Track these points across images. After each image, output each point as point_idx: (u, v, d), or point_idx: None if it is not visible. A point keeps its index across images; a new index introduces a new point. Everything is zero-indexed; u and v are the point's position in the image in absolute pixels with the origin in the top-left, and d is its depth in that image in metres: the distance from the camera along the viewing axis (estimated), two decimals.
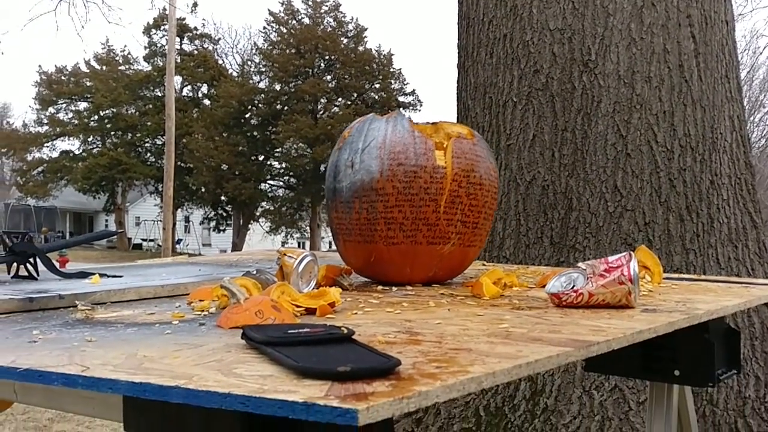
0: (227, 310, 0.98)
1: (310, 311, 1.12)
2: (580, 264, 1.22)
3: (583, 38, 3.31)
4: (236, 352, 0.80)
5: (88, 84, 34.17)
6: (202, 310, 1.13)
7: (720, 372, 1.65)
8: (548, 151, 3.34)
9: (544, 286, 1.58)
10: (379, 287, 1.51)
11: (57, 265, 1.48)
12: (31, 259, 1.39)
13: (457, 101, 3.88)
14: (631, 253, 1.20)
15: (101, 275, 1.44)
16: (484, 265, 2.14)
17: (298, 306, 1.09)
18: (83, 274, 1.44)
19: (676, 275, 1.85)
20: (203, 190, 32.23)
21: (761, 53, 34.31)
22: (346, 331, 0.83)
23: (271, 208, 32.78)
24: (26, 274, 1.41)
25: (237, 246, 32.22)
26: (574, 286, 1.20)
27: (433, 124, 1.56)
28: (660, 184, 3.20)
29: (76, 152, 34.78)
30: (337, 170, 1.57)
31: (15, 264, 1.42)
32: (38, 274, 1.40)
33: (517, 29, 3.46)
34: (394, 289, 1.51)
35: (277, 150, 31.88)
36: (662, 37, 3.25)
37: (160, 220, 18.33)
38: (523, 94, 3.42)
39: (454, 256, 1.53)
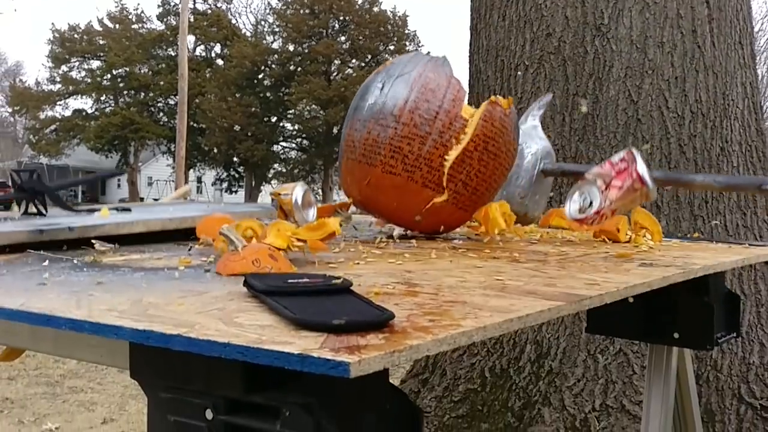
0: (225, 257, 1.00)
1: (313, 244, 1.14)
2: (587, 175, 1.20)
3: (596, 2, 3.29)
4: (238, 301, 0.82)
5: (101, 42, 34.15)
6: (207, 257, 1.15)
7: (719, 335, 1.67)
8: (559, 116, 3.34)
9: (548, 226, 1.61)
10: (383, 239, 1.52)
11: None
12: (39, 197, 1.42)
13: (469, 64, 3.87)
14: (632, 149, 1.19)
15: (111, 210, 1.48)
16: None
17: (299, 240, 1.11)
18: (93, 210, 1.48)
19: (679, 235, 1.87)
20: (215, 151, 32.31)
21: None
22: (343, 282, 0.85)
23: (284, 170, 32.84)
24: (35, 211, 1.44)
25: None
26: (591, 203, 1.19)
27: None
28: (670, 150, 3.20)
29: (89, 111, 34.90)
30: (366, 90, 1.58)
31: (24, 201, 1.45)
32: (47, 211, 1.43)
33: None
34: (398, 240, 1.53)
35: (290, 111, 31.87)
36: (676, 2, 3.22)
37: (173, 181, 18.44)
38: (535, 58, 3.41)
39: (443, 211, 1.52)
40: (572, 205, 1.21)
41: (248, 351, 0.64)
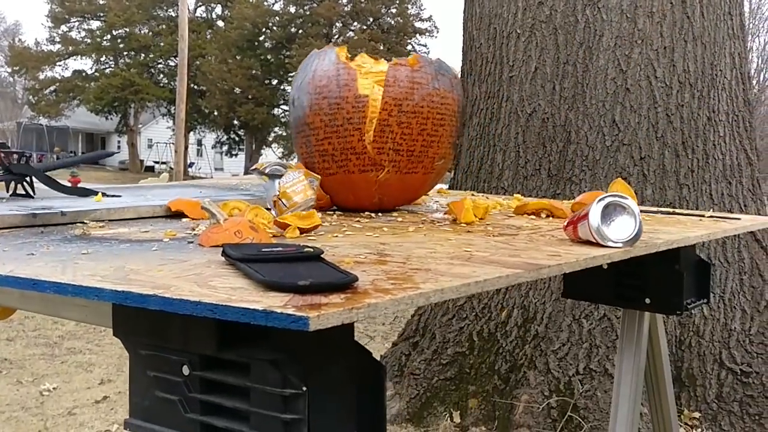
0: (208, 229, 1.05)
1: (304, 230, 1.20)
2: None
3: None
4: (215, 268, 0.88)
5: (101, 2, 33.80)
6: (193, 230, 1.21)
7: (689, 301, 1.73)
8: (549, 84, 3.37)
9: (524, 213, 1.65)
10: (366, 213, 1.58)
11: (69, 185, 1.56)
12: (28, 179, 1.46)
13: (463, 31, 3.89)
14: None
15: (103, 194, 1.52)
16: (473, 195, 2.21)
17: (278, 226, 1.17)
18: (84, 191, 1.52)
19: (653, 208, 1.92)
20: (216, 113, 32.18)
21: None
22: (314, 250, 0.91)
23: (284, 134, 32.73)
24: (23, 192, 1.48)
25: (249, 171, 32.29)
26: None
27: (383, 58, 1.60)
28: (657, 120, 3.24)
29: (89, 72, 34.67)
30: (289, 107, 1.65)
31: (13, 183, 1.48)
32: (34, 193, 1.48)
33: None
34: (380, 214, 1.58)
35: (291, 74, 31.62)
36: None
37: (173, 143, 18.40)
38: (527, 26, 3.44)
39: (393, 182, 1.56)
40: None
41: (217, 308, 0.70)
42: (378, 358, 3.90)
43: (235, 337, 0.77)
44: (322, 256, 0.91)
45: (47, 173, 1.46)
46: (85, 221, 1.27)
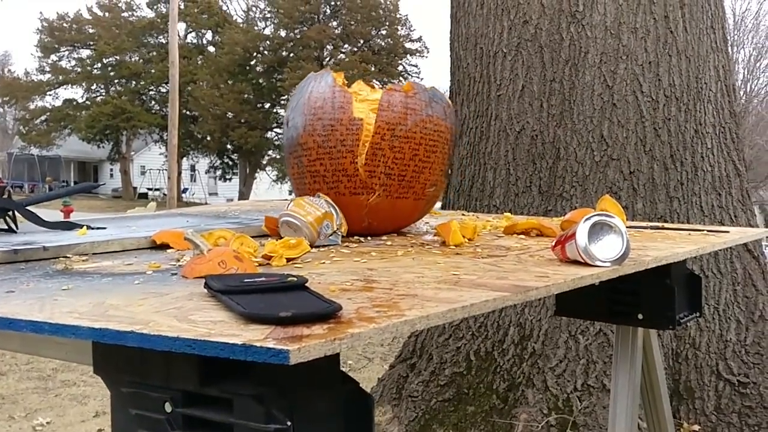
0: (191, 260, 1.04)
1: (291, 259, 1.19)
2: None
3: None
4: (197, 300, 0.87)
5: (91, 31, 33.91)
6: (178, 261, 1.20)
7: (681, 315, 1.72)
8: (537, 102, 3.38)
9: (514, 233, 1.64)
10: (355, 238, 1.57)
11: (62, 215, 1.54)
12: (10, 213, 1.44)
13: (450, 51, 3.91)
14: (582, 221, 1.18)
15: (87, 227, 1.50)
16: (463, 215, 2.20)
17: (265, 258, 1.16)
18: (68, 225, 1.50)
19: (643, 224, 1.91)
20: (209, 138, 32.22)
21: (765, 0, 33.80)
22: (298, 279, 0.90)
23: (278, 157, 32.76)
24: (5, 227, 1.46)
25: (244, 195, 32.30)
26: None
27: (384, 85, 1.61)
28: (645, 134, 3.24)
29: (80, 100, 34.69)
30: (284, 128, 1.65)
31: None
32: (17, 228, 1.46)
33: None
34: (369, 239, 1.57)
35: (283, 97, 31.72)
36: None
37: (166, 169, 18.41)
38: (513, 45, 3.45)
39: (383, 206, 1.57)
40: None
41: (196, 344, 0.69)
42: (376, 381, 3.88)
43: (217, 372, 0.76)
44: (306, 285, 0.90)
45: (29, 207, 1.44)
46: (68, 255, 1.26)
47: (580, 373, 3.13)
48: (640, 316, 1.72)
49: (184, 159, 33.84)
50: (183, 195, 33.20)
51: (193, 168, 39.13)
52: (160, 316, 0.79)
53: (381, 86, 1.65)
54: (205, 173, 37.92)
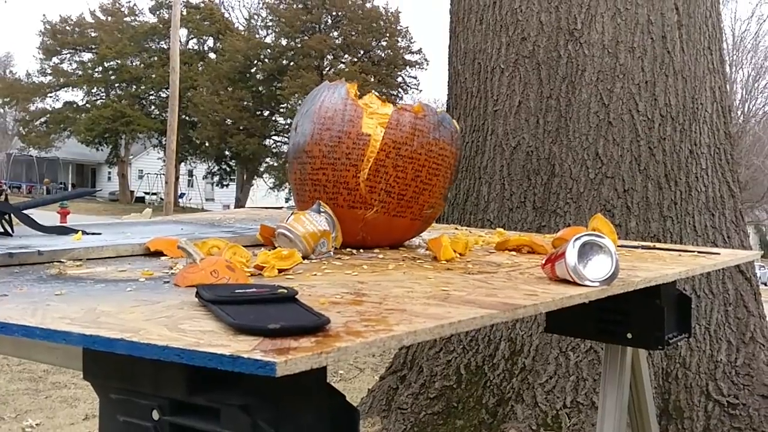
0: (184, 269, 1.05)
1: (283, 270, 1.20)
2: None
3: (569, 7, 3.35)
4: (188, 309, 0.88)
5: (93, 35, 33.99)
6: (171, 269, 1.21)
7: (670, 336, 1.73)
8: (533, 118, 3.40)
9: (505, 249, 1.65)
10: (348, 250, 1.58)
11: (58, 217, 1.55)
12: (6, 216, 1.45)
13: (449, 66, 3.93)
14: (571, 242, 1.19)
15: (83, 233, 1.51)
16: (456, 229, 2.22)
17: (257, 268, 1.17)
18: (63, 230, 1.51)
19: (634, 243, 1.93)
20: (207, 144, 32.25)
21: (764, 21, 34.07)
22: (288, 291, 0.91)
23: (275, 164, 32.78)
24: (1, 231, 1.47)
25: (240, 201, 32.31)
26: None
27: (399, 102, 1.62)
28: (640, 153, 3.26)
29: (80, 103, 34.73)
30: (291, 132, 1.67)
31: None
32: (13, 231, 1.47)
33: None
34: (362, 251, 1.58)
35: (282, 106, 31.80)
36: (646, 8, 3.29)
37: (163, 174, 18.39)
38: (510, 61, 3.47)
39: (379, 222, 1.58)
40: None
41: (184, 353, 0.70)
42: (367, 392, 3.88)
43: (205, 381, 0.77)
44: (296, 297, 0.90)
45: (25, 211, 1.46)
46: (63, 260, 1.27)
47: (569, 390, 3.14)
48: (629, 336, 1.73)
49: (182, 164, 33.83)
50: (180, 200, 33.19)
51: (190, 173, 39.13)
52: (151, 324, 0.80)
53: (379, 96, 1.67)
54: (203, 179, 37.92)
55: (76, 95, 35.20)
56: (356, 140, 1.54)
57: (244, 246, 1.34)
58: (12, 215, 1.45)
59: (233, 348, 0.70)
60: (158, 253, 1.40)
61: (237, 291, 0.91)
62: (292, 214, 1.47)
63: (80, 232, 1.51)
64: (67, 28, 34.23)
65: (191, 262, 1.07)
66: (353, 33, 31.68)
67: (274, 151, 32.94)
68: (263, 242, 1.54)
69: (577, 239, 1.18)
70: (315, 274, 1.22)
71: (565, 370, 3.17)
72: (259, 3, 35.60)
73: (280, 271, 1.19)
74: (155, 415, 0.78)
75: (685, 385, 3.18)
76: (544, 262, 1.26)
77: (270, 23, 33.59)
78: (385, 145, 1.54)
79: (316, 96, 1.63)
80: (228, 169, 34.90)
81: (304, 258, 1.34)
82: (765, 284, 23.11)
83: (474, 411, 3.26)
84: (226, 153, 32.71)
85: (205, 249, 1.26)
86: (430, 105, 1.63)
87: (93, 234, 1.52)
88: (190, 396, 0.77)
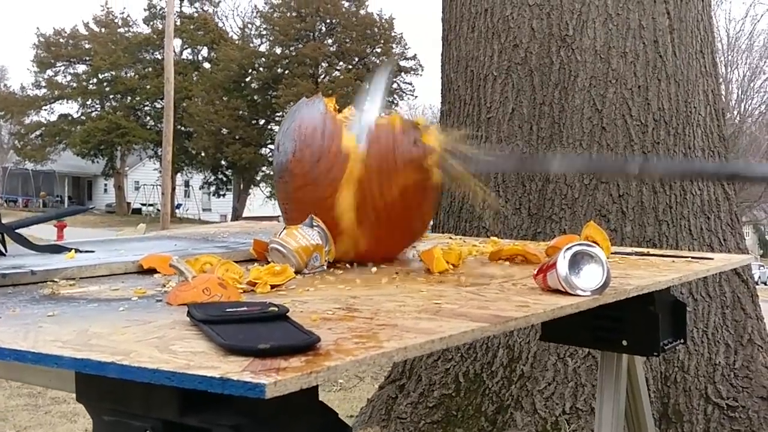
0: (176, 287, 1.05)
1: (274, 286, 1.20)
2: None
3: (561, 13, 3.36)
4: (179, 329, 0.88)
5: (87, 47, 34.04)
6: (164, 286, 1.21)
7: (665, 342, 1.73)
8: (526, 124, 3.40)
9: (499, 259, 1.65)
10: (342, 264, 1.58)
11: (55, 231, 1.55)
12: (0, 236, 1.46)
13: (441, 74, 3.94)
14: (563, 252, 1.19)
15: (76, 251, 1.51)
16: (450, 239, 2.22)
17: (249, 284, 1.17)
18: (56, 249, 1.51)
19: (628, 249, 1.93)
20: (203, 154, 32.28)
21: (759, 21, 34.25)
22: (279, 309, 0.91)
23: (272, 173, 32.77)
24: None
25: (237, 211, 32.30)
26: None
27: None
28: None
29: (75, 116, 34.75)
30: (274, 151, 1.65)
31: None
32: (6, 250, 1.47)
33: (497, 4, 3.50)
34: (356, 265, 1.58)
35: (278, 114, 31.82)
36: (638, 13, 3.30)
37: (160, 185, 18.40)
38: (503, 68, 3.48)
39: (367, 240, 1.55)
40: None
41: (175, 376, 0.70)
42: (366, 401, 3.88)
43: (197, 402, 0.77)
44: (287, 315, 0.91)
45: (18, 230, 1.46)
46: (56, 279, 1.27)
47: (568, 396, 3.14)
48: (624, 342, 1.73)
49: (179, 175, 33.85)
50: (177, 211, 33.18)
51: (187, 184, 39.13)
52: (142, 345, 0.80)
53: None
54: (199, 189, 37.93)
55: (71, 107, 35.28)
56: (336, 156, 1.50)
57: (237, 261, 1.34)
58: (5, 234, 1.45)
59: (223, 369, 0.71)
60: (152, 270, 1.40)
61: (228, 310, 0.91)
62: (284, 228, 1.46)
63: (73, 250, 1.51)
64: (61, 40, 34.28)
65: (183, 280, 1.07)
66: (347, 40, 31.77)
67: (270, 159, 32.92)
68: (257, 257, 1.54)
69: (567, 249, 1.18)
70: (307, 290, 1.22)
71: (564, 377, 3.17)
72: (252, 12, 35.78)
73: (272, 286, 1.20)
74: None
75: (684, 389, 3.18)
76: (536, 272, 1.26)
77: (264, 32, 33.64)
78: (368, 158, 1.50)
79: (295, 113, 1.61)
80: (224, 178, 34.92)
81: (296, 272, 1.34)
82: (765, 284, 23.12)
83: (473, 419, 3.26)
84: (222, 163, 32.74)
85: (197, 266, 1.26)
86: (409, 118, 1.60)
87: (86, 252, 1.52)
88: (182, 417, 0.77)
